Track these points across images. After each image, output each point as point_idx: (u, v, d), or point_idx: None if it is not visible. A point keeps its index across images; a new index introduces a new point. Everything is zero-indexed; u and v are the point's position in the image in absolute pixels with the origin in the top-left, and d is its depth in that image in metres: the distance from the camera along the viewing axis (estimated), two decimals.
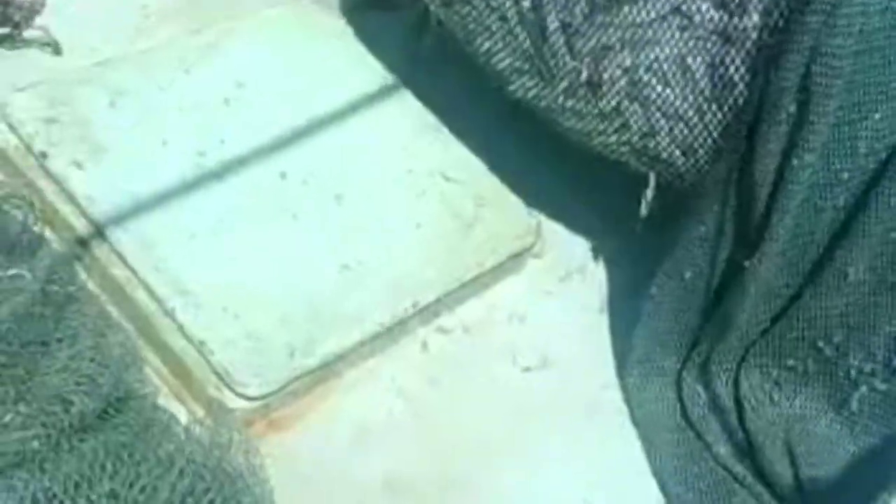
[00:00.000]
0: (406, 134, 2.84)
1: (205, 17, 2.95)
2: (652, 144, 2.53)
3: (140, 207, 2.54)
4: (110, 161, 2.58)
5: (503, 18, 2.60)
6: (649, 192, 2.61)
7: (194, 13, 2.99)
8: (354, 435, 2.49)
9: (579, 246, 2.91)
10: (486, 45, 2.65)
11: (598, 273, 2.83)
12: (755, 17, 2.36)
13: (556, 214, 2.92)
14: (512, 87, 2.65)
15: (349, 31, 3.04)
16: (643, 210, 2.64)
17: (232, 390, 2.38)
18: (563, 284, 2.82)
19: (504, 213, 2.80)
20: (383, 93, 2.89)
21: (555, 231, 2.90)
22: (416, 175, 2.82)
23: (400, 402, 2.56)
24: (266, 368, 2.41)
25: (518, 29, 2.59)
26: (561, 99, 2.58)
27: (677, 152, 2.52)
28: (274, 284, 2.52)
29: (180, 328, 2.41)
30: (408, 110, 2.93)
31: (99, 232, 2.48)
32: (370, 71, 2.90)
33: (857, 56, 2.30)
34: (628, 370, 2.67)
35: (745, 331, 2.60)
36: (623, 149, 2.58)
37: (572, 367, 2.71)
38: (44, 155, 2.54)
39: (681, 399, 2.65)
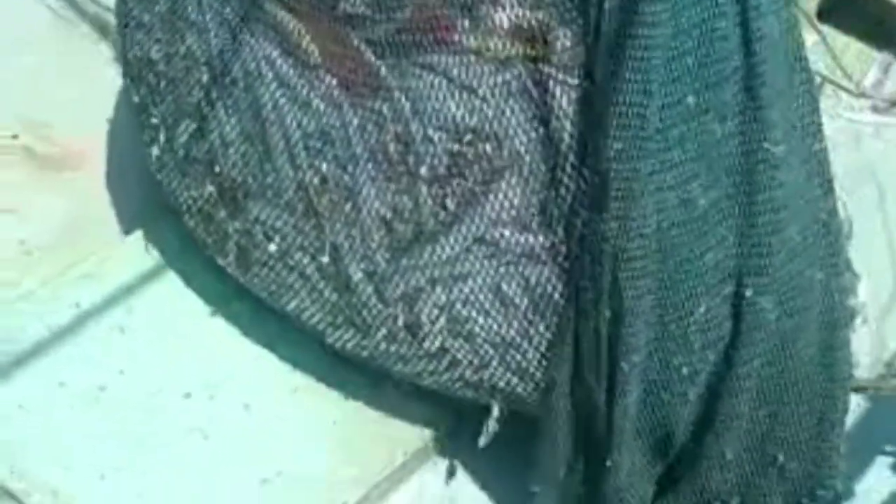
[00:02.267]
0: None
1: (82, 244, 2.91)
2: (487, 376, 2.43)
3: (44, 456, 2.52)
4: (6, 413, 2.62)
5: (304, 276, 2.51)
6: (491, 423, 2.50)
7: (71, 241, 2.94)
8: None
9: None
10: (293, 303, 2.55)
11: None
12: (559, 233, 2.30)
13: None
14: (329, 341, 2.54)
15: None
16: (482, 441, 2.53)
17: None
18: (487, 457, 2.65)
19: (420, 397, 2.68)
20: None
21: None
22: (326, 369, 2.72)
23: None
24: None
25: (322, 285, 2.50)
26: (383, 346, 2.48)
27: (515, 379, 2.42)
28: None
29: None
30: None
31: (3, 490, 2.42)
32: None
33: (661, 253, 2.24)
34: None
35: None
36: (458, 384, 2.47)
37: None
38: None
39: None
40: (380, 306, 2.44)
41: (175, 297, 2.81)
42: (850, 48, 3.14)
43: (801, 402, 2.37)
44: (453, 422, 2.72)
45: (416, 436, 2.70)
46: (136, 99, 2.70)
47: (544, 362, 2.39)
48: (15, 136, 3.09)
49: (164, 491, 2.51)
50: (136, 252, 2.89)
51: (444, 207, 2.35)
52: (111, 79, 2.99)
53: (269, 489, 2.55)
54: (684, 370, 2.32)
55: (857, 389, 2.48)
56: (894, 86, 3.37)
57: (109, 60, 3.08)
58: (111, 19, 2.98)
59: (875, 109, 3.16)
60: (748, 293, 2.26)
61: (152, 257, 2.87)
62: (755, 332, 2.29)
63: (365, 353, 2.51)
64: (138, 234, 2.88)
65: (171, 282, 2.83)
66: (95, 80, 3.08)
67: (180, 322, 2.78)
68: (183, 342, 2.75)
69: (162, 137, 2.65)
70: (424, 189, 2.35)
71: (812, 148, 2.24)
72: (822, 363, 2.36)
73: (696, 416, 2.39)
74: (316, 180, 2.44)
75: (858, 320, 2.46)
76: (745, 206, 2.23)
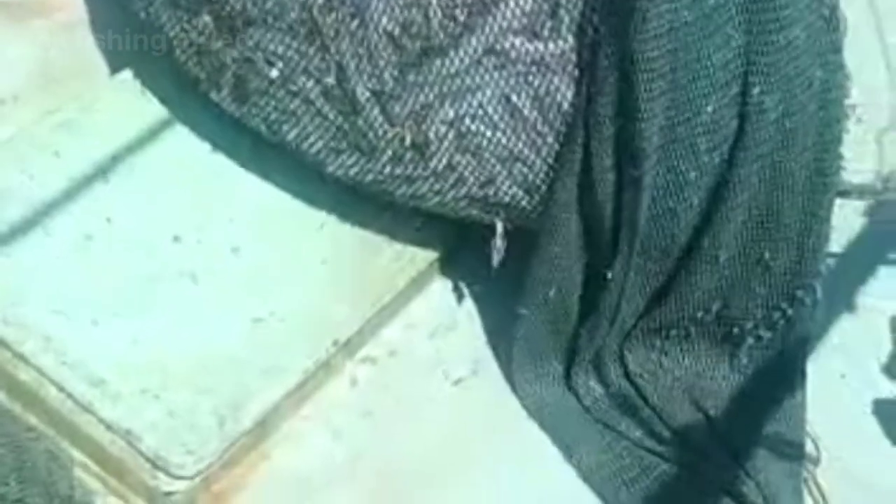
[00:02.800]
0: (292, 171, 2.72)
1: (59, 92, 2.85)
2: (492, 192, 2.44)
3: (35, 305, 2.49)
4: None
5: (308, 101, 2.46)
6: (498, 240, 2.51)
7: (47, 90, 2.89)
8: (299, 490, 2.45)
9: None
10: (294, 132, 2.51)
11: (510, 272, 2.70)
12: (570, 40, 2.28)
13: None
14: (330, 168, 2.52)
15: None
16: (494, 261, 2.53)
17: (168, 474, 2.35)
18: (476, 289, 2.74)
19: (407, 229, 2.72)
20: (259, 139, 2.74)
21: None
22: (312, 209, 2.73)
23: (339, 446, 2.52)
24: (198, 443, 2.38)
25: (326, 108, 2.45)
26: (388, 169, 2.46)
27: (520, 193, 2.43)
28: (188, 354, 2.49)
29: (102, 421, 2.37)
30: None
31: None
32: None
33: (674, 54, 2.24)
34: (519, 385, 2.60)
35: (621, 324, 2.56)
36: (462, 203, 2.48)
37: (505, 369, 2.65)
38: None
39: (578, 399, 2.59)
40: (386, 126, 2.42)
41: (161, 141, 2.79)
42: None
43: (793, 200, 2.43)
44: (448, 251, 2.75)
45: (408, 269, 2.74)
46: None
47: (552, 174, 2.40)
48: None
49: (156, 335, 2.52)
50: (117, 97, 2.86)
51: (454, 19, 2.32)
52: None
53: (262, 328, 2.57)
54: (691, 174, 2.36)
55: (844, 194, 2.52)
56: None
57: None
58: None
59: None
60: (755, 91, 2.29)
61: (133, 102, 2.85)
62: (759, 132, 2.33)
63: (369, 178, 2.50)
64: (120, 79, 2.82)
65: (155, 126, 2.81)
66: None
67: (166, 166, 2.76)
68: (169, 187, 2.73)
69: None
70: (434, 0, 2.30)
71: None
72: (814, 160, 2.42)
73: (696, 221, 2.42)
74: None
75: (852, 120, 2.49)
76: (752, 2, 2.24)
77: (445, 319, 2.73)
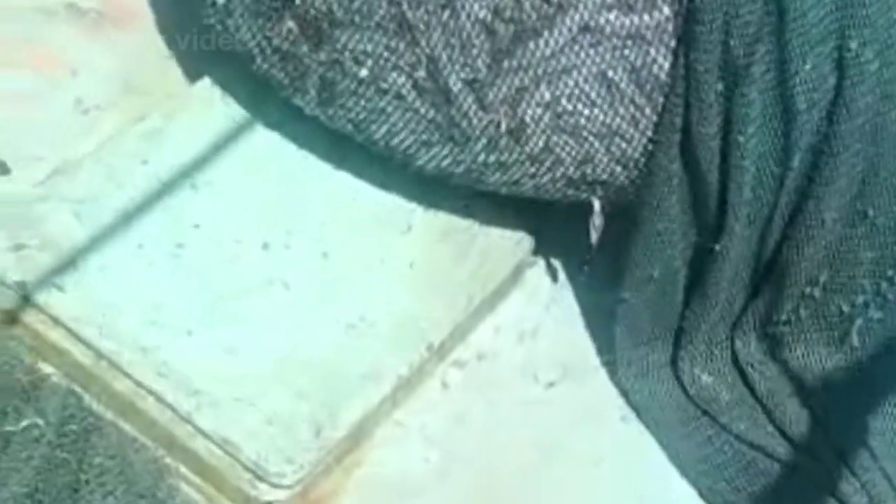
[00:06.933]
0: (377, 175, 2.73)
1: (141, 100, 2.85)
2: (590, 170, 2.42)
3: (130, 316, 2.46)
4: (88, 276, 2.49)
5: (398, 97, 2.43)
6: (596, 218, 2.50)
7: (130, 98, 2.87)
8: (394, 495, 2.44)
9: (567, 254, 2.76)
10: (383, 129, 2.48)
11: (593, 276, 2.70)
12: (665, 9, 2.27)
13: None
14: (420, 162, 2.49)
15: None
16: (593, 238, 2.52)
17: (268, 483, 2.34)
18: (563, 291, 2.74)
19: (494, 230, 2.74)
20: (343, 141, 2.74)
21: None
22: (398, 212, 2.74)
23: (434, 450, 2.49)
24: (296, 452, 2.35)
25: (417, 103, 2.42)
26: (482, 157, 2.43)
27: (618, 169, 2.41)
28: (282, 361, 2.44)
29: (200, 431, 2.35)
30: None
31: (94, 351, 2.41)
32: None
33: (770, 15, 2.24)
34: (620, 374, 2.58)
35: (730, 304, 2.53)
36: (558, 185, 2.46)
37: (596, 372, 2.64)
38: (21, 286, 2.48)
39: (683, 388, 2.56)
40: (481, 114, 2.39)
41: (244, 147, 2.79)
42: None
43: (894, 152, 2.39)
44: (534, 251, 2.79)
45: (495, 272, 2.75)
46: None
47: (650, 147, 2.38)
48: None
49: (251, 343, 2.51)
50: (201, 105, 2.86)
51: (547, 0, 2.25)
52: None
53: (353, 333, 2.57)
54: (792, 135, 2.33)
55: None
56: None
57: None
58: None
59: None
60: (853, 45, 2.27)
61: (218, 109, 2.85)
62: (859, 86, 2.31)
63: (461, 168, 2.47)
64: (202, 87, 2.80)
65: (238, 132, 2.80)
66: None
67: (251, 172, 2.76)
68: (255, 192, 2.74)
69: None
70: None
71: None
72: None
73: (799, 184, 2.41)
74: None
75: None
76: None
77: (533, 323, 2.72)
